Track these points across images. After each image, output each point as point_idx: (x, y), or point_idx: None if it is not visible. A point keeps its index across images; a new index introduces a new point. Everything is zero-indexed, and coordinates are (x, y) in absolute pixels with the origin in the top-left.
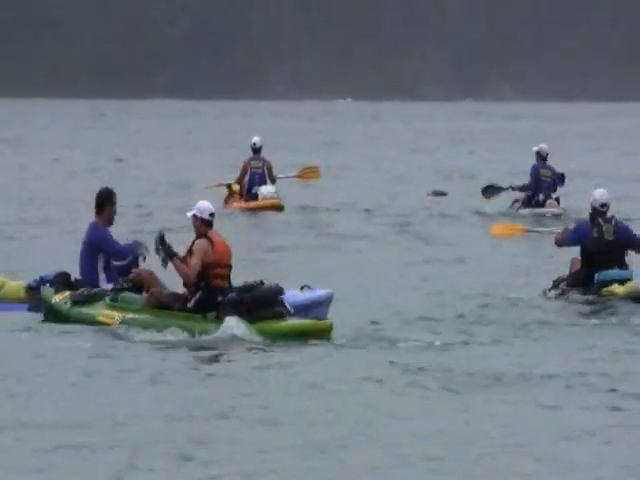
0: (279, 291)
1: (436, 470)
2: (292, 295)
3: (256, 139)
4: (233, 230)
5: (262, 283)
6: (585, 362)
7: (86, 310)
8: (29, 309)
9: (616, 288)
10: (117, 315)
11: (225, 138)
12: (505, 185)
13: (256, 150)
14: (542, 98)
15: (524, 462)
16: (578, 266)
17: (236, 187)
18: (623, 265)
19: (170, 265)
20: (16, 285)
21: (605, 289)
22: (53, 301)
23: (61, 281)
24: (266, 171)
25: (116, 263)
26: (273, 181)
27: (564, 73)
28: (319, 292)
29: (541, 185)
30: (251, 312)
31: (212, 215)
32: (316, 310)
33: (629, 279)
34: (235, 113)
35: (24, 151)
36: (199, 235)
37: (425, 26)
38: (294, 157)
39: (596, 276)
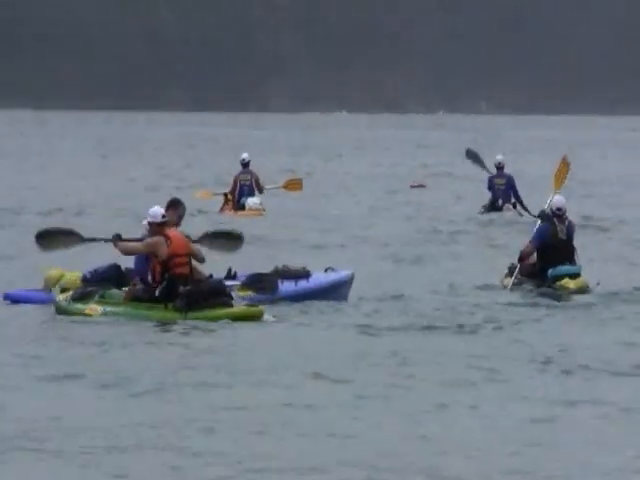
0: (223, 284)
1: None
2: (318, 277)
3: (244, 155)
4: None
5: (211, 276)
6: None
7: (79, 305)
8: None
9: (567, 282)
10: (100, 308)
11: (231, 147)
12: (487, 165)
13: (245, 165)
14: (513, 112)
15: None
16: (529, 258)
17: (230, 196)
18: (573, 260)
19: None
20: (73, 276)
21: (558, 283)
22: (57, 299)
23: (112, 272)
24: (253, 183)
25: None
26: (260, 191)
27: (533, 91)
28: (342, 273)
29: (497, 193)
30: (200, 301)
31: (164, 217)
32: (340, 289)
33: (578, 274)
34: (239, 124)
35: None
36: (153, 232)
37: (412, 48)
38: (289, 163)
39: (550, 271)
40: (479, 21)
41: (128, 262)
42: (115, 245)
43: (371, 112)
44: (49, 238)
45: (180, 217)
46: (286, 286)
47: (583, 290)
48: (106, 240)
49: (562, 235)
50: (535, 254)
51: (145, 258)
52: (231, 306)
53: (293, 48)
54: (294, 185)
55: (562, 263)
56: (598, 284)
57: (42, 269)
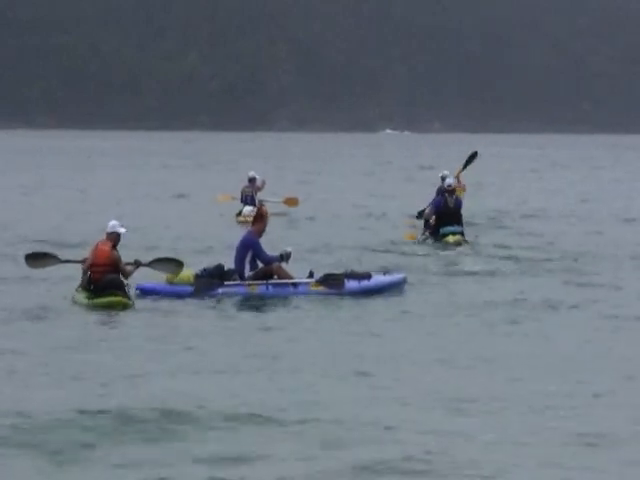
0: (117, 279)
1: None
2: (379, 278)
3: (250, 173)
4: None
5: (117, 273)
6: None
7: (75, 293)
8: (193, 291)
9: (450, 238)
10: (77, 295)
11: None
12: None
13: (250, 180)
14: (463, 130)
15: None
16: (431, 220)
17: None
18: (459, 223)
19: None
20: (187, 273)
21: (444, 238)
22: (75, 291)
23: (218, 270)
24: (254, 194)
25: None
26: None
27: (480, 112)
28: (398, 275)
29: None
30: (99, 292)
31: (111, 233)
32: (396, 287)
33: (460, 232)
34: (251, 142)
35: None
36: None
37: (382, 84)
38: (289, 175)
39: (441, 230)
40: (435, 61)
41: (230, 263)
42: (82, 264)
43: (350, 132)
44: (33, 259)
45: (265, 226)
46: (351, 284)
47: (459, 243)
48: (76, 261)
49: (451, 205)
50: (435, 218)
51: (241, 258)
52: (117, 296)
53: (292, 84)
54: (292, 202)
55: (451, 225)
56: (477, 236)
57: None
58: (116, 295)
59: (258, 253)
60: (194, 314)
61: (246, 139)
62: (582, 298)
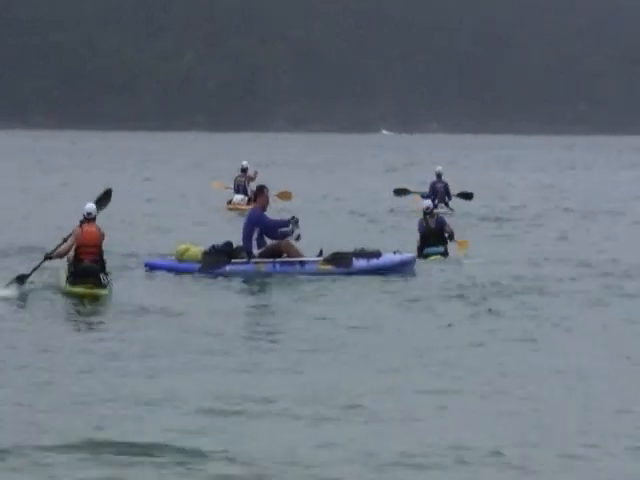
0: (94, 267)
1: None
2: (389, 257)
3: (243, 162)
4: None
5: (100, 262)
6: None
7: (59, 273)
8: (200, 268)
9: (431, 258)
10: (62, 276)
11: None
12: (413, 189)
13: (243, 169)
14: (462, 130)
15: None
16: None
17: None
18: (441, 243)
19: (297, 238)
20: (196, 250)
21: (427, 258)
22: (62, 276)
23: (226, 247)
24: (247, 183)
25: (268, 240)
26: (250, 180)
27: (480, 113)
28: (408, 255)
29: (436, 194)
30: (76, 280)
31: (89, 214)
32: (405, 267)
33: (441, 253)
34: (248, 141)
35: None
36: (80, 224)
37: (381, 85)
38: (285, 172)
39: (425, 250)
40: (434, 61)
41: (239, 240)
42: (51, 259)
43: (350, 132)
44: (18, 284)
45: (267, 199)
46: (360, 262)
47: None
48: (42, 262)
49: (432, 226)
50: (419, 239)
51: (249, 235)
52: (91, 287)
53: (290, 84)
54: (285, 195)
55: (435, 245)
56: (465, 256)
57: (177, 245)
58: (90, 286)
59: (266, 224)
60: (197, 295)
61: (244, 139)
62: (576, 292)
